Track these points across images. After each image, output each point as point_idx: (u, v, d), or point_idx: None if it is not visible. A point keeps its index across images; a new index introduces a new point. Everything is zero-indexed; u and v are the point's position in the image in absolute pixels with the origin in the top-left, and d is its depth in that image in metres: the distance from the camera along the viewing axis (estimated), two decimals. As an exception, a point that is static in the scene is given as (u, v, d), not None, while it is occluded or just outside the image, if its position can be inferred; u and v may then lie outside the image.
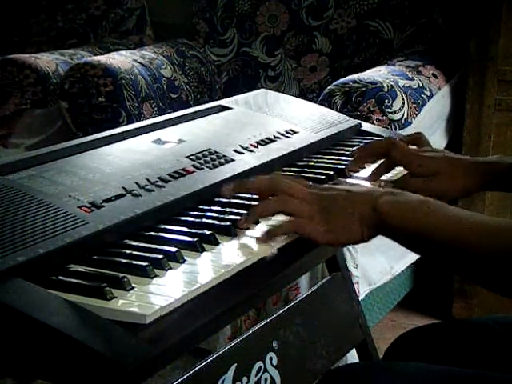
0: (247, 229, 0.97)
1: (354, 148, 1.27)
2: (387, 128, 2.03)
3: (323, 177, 1.18)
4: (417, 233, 0.91)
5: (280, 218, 0.99)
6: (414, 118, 2.16)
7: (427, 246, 0.92)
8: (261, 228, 0.97)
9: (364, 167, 1.24)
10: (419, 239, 0.91)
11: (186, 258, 0.88)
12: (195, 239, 0.92)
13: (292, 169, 1.24)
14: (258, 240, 0.94)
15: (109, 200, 0.96)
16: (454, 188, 1.14)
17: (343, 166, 1.23)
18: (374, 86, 2.09)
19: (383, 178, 1.19)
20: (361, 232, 0.94)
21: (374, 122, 2.03)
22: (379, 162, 1.21)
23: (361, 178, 1.19)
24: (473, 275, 0.93)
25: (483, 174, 1.15)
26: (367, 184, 1.06)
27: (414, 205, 0.92)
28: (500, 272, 0.86)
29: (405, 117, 2.11)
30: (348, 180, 1.07)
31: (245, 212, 1.02)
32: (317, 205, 0.94)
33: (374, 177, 1.18)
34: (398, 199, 0.93)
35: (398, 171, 1.21)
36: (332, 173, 1.19)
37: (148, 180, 1.04)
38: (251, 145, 1.25)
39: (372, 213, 0.93)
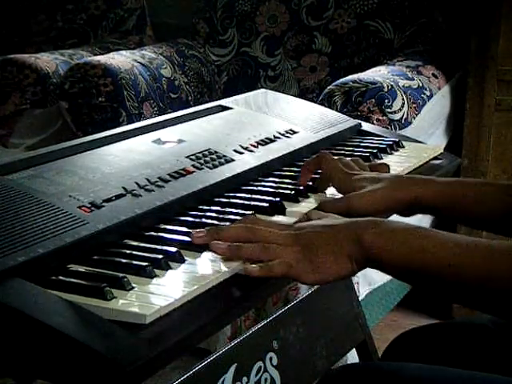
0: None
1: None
2: (387, 128, 2.03)
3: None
4: (404, 262, 0.88)
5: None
6: (414, 118, 2.16)
7: (417, 275, 0.88)
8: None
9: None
10: (407, 269, 0.88)
11: (185, 258, 0.88)
12: (195, 239, 0.92)
13: (292, 169, 1.24)
14: (247, 272, 0.87)
15: (109, 200, 0.96)
16: (375, 203, 1.06)
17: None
18: (373, 86, 2.09)
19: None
20: (350, 266, 0.90)
21: (374, 122, 2.03)
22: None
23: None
24: (465, 300, 0.90)
25: (407, 192, 1.07)
26: (340, 217, 1.01)
27: (400, 234, 0.89)
28: (493, 295, 0.84)
29: (405, 117, 2.11)
30: (321, 212, 1.02)
31: (244, 212, 1.02)
32: (296, 246, 0.90)
33: (303, 179, 1.13)
34: (381, 230, 0.89)
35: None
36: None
37: (148, 180, 1.04)
38: (251, 145, 1.25)
39: (358, 247, 0.89)
